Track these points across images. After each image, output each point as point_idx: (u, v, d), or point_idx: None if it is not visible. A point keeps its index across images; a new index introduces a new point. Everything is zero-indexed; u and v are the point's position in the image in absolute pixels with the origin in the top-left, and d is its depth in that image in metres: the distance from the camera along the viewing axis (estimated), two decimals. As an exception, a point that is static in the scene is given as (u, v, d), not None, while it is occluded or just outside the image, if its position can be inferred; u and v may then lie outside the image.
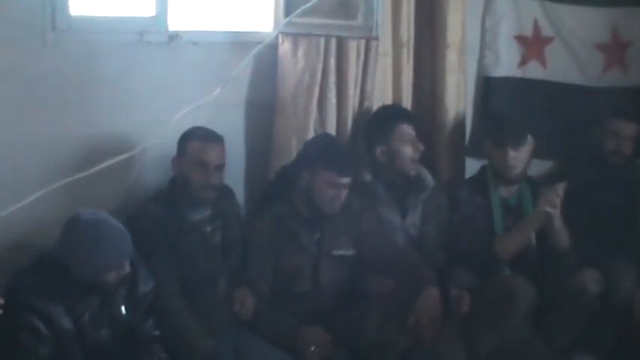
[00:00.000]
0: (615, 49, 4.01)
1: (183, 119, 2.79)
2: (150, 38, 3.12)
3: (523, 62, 3.89)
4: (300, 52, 3.32)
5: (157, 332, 2.74)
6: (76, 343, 2.55)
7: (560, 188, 3.21)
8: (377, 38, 3.42)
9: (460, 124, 3.71)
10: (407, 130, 3.30)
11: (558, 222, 3.25)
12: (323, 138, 3.25)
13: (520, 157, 3.35)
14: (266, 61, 3.31)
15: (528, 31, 3.88)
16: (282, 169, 3.23)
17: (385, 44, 3.48)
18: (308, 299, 3.06)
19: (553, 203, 3.20)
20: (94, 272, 2.53)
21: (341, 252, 3.11)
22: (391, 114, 3.38)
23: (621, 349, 3.14)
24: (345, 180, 3.06)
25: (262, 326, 2.97)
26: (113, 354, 2.63)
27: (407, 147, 3.29)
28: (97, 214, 2.59)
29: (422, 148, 3.33)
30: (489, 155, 3.43)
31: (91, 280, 2.55)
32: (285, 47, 3.32)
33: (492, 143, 3.39)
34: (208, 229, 3.01)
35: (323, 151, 3.09)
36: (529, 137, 3.39)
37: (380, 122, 3.35)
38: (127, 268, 2.59)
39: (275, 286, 3.04)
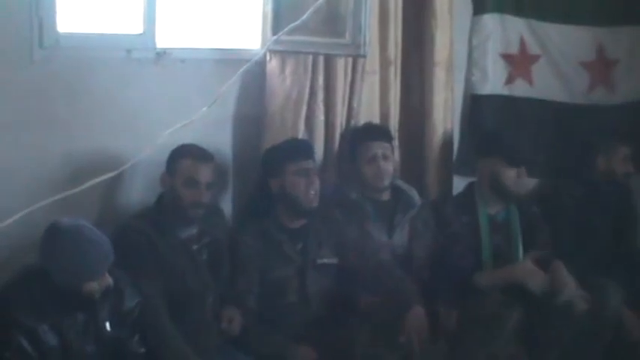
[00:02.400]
0: (601, 68, 4.05)
1: (171, 136, 2.71)
2: (137, 55, 3.13)
3: (510, 80, 3.93)
4: (288, 70, 3.35)
5: (143, 350, 2.72)
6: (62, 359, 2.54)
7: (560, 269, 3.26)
8: (365, 56, 3.40)
9: (448, 141, 3.73)
10: (369, 148, 3.33)
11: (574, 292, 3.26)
12: (270, 147, 3.25)
13: (521, 177, 3.40)
14: (254, 79, 3.32)
15: (515, 49, 3.92)
16: (255, 187, 3.26)
17: (373, 62, 3.50)
18: (296, 310, 3.07)
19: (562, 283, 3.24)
20: (76, 279, 2.52)
21: (325, 260, 3.14)
22: (358, 132, 3.42)
23: None
24: (309, 163, 3.11)
25: (250, 344, 2.97)
26: None
27: (369, 165, 3.33)
28: (77, 221, 2.58)
29: (390, 164, 3.35)
30: (493, 172, 3.40)
31: (73, 288, 2.53)
32: (272, 65, 3.34)
33: (504, 161, 3.38)
34: (195, 246, 3.01)
35: (276, 153, 3.15)
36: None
37: (352, 141, 3.41)
38: (109, 278, 2.57)
39: (263, 298, 3.04)
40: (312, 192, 3.09)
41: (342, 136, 3.50)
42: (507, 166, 3.38)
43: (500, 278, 3.30)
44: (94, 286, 2.55)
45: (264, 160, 3.21)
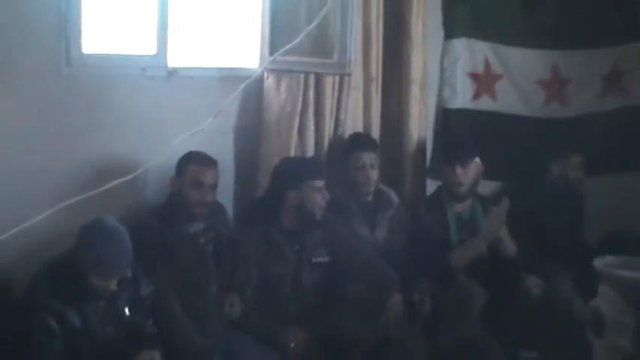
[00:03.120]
0: (555, 85, 4.03)
1: (180, 144, 2.71)
2: (151, 73, 3.13)
3: (476, 96, 3.91)
4: (283, 86, 3.34)
5: (156, 330, 2.71)
6: (85, 340, 2.53)
7: (504, 206, 3.25)
8: (350, 74, 3.44)
9: (422, 149, 3.72)
10: (359, 157, 3.32)
11: (505, 236, 3.30)
12: (292, 161, 3.24)
13: (467, 175, 3.41)
14: (253, 94, 3.31)
15: (481, 69, 3.90)
16: (265, 194, 3.21)
17: (357, 79, 3.49)
18: (291, 301, 3.05)
19: (499, 222, 3.26)
20: (101, 273, 2.51)
21: (319, 259, 3.11)
22: (349, 142, 3.41)
23: (559, 344, 3.15)
24: (322, 182, 3.08)
25: (249, 326, 2.95)
26: (117, 349, 2.59)
27: (358, 172, 3.32)
28: (115, 222, 2.58)
29: (374, 173, 3.33)
30: (443, 173, 3.46)
31: (98, 279, 2.52)
32: (269, 82, 3.33)
33: (445, 162, 3.45)
34: (202, 240, 3.00)
35: (297, 169, 3.11)
36: (476, 159, 3.43)
37: (343, 150, 3.40)
38: (127, 272, 2.58)
39: (262, 290, 3.02)
40: (322, 206, 3.08)
41: (330, 144, 3.48)
42: (452, 165, 3.39)
43: (470, 248, 3.32)
44: (109, 284, 2.54)
45: (282, 172, 3.14)
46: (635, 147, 4.05)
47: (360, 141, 3.42)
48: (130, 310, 2.65)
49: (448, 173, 3.43)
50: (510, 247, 3.34)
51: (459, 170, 3.38)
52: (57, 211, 2.22)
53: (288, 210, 3.07)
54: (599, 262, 2.72)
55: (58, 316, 2.48)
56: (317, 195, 3.06)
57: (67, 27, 2.92)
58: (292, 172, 3.12)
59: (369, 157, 3.33)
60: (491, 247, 3.35)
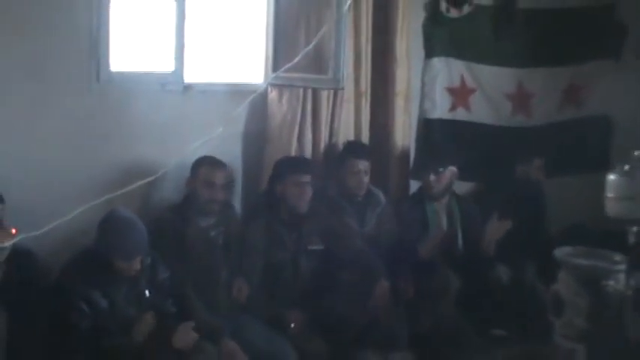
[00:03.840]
0: (521, 98, 4.03)
1: (194, 149, 2.68)
2: (170, 88, 3.14)
3: (453, 108, 3.90)
4: (284, 99, 3.34)
5: (174, 310, 2.73)
6: (111, 318, 2.55)
7: (506, 225, 3.29)
8: (342, 88, 3.44)
9: (405, 154, 3.71)
10: (355, 164, 3.30)
11: (494, 243, 3.32)
12: (282, 159, 3.21)
13: (439, 182, 3.39)
14: (258, 105, 3.31)
15: (457, 84, 3.89)
16: (266, 188, 3.23)
17: (349, 93, 3.49)
18: (290, 285, 3.05)
19: (496, 233, 3.30)
20: (119, 257, 2.53)
21: (314, 247, 3.11)
22: (343, 152, 3.38)
23: (524, 323, 3.17)
24: (306, 177, 3.06)
25: (254, 308, 2.96)
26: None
27: (353, 177, 3.30)
28: (126, 212, 2.60)
29: (366, 178, 3.31)
30: (424, 176, 3.44)
31: (120, 262, 2.54)
32: (272, 95, 3.33)
33: (426, 166, 3.44)
34: (213, 233, 2.99)
35: (284, 165, 3.12)
36: (450, 167, 3.41)
37: (339, 156, 3.38)
38: (142, 259, 2.58)
39: (266, 275, 3.02)
40: (303, 200, 3.06)
41: (325, 150, 3.47)
42: (425, 174, 3.40)
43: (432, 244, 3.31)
44: (132, 265, 2.57)
45: (274, 169, 3.16)
46: (589, 152, 4.05)
47: (356, 149, 3.39)
48: (149, 293, 2.67)
49: (424, 179, 3.44)
50: (492, 248, 3.35)
51: (431, 178, 3.40)
52: (88, 208, 2.22)
53: (280, 202, 3.08)
54: (558, 252, 2.71)
55: (87, 299, 2.50)
56: (298, 188, 3.04)
57: (97, 48, 2.93)
58: (279, 168, 3.14)
59: (362, 165, 3.31)
60: (467, 242, 3.38)
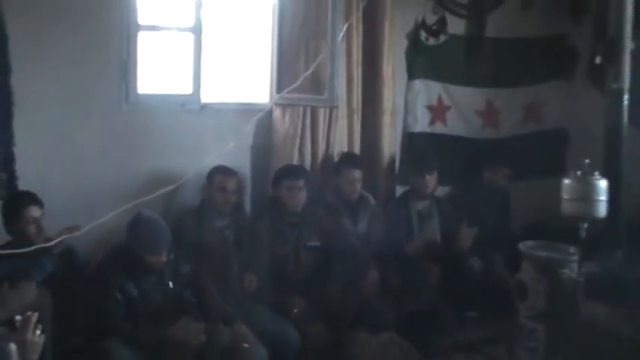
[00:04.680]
0: (489, 114, 4.02)
1: (210, 160, 2.80)
2: (188, 107, 3.15)
3: (432, 122, 3.88)
4: (287, 116, 3.34)
5: (194, 299, 2.71)
6: (141, 305, 2.55)
7: (473, 232, 3.32)
8: (337, 107, 3.44)
9: (392, 163, 3.69)
10: (349, 173, 3.28)
11: (468, 243, 3.34)
12: (281, 167, 3.20)
13: (432, 181, 3.41)
14: (264, 122, 3.29)
15: (435, 102, 3.87)
16: (271, 193, 3.22)
17: (342, 111, 3.48)
18: (293, 276, 3.06)
19: (466, 239, 3.33)
20: (146, 252, 2.52)
21: (313, 243, 3.10)
22: (340, 162, 3.36)
23: (494, 306, 3.14)
24: (299, 182, 3.04)
25: (262, 296, 2.95)
26: (165, 313, 2.60)
27: (348, 185, 3.28)
28: (152, 213, 2.59)
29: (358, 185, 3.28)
30: (414, 181, 3.44)
31: (147, 257, 2.53)
32: (277, 113, 3.32)
33: (416, 172, 3.43)
34: (226, 232, 3.00)
35: (281, 172, 3.12)
36: (435, 171, 3.44)
37: (336, 166, 3.37)
38: (167, 254, 2.56)
39: (271, 268, 3.01)
40: (297, 202, 3.03)
41: (323, 160, 3.45)
42: (422, 174, 3.39)
43: (419, 245, 3.35)
44: (157, 259, 2.56)
45: (274, 176, 3.16)
46: (548, 160, 4.03)
47: (351, 160, 3.36)
48: (172, 284, 2.66)
49: (419, 180, 3.39)
50: (467, 246, 3.36)
51: (427, 177, 3.38)
52: (119, 212, 2.26)
53: (280, 204, 3.07)
54: (522, 246, 2.69)
55: (121, 288, 2.50)
56: (288, 193, 3.04)
57: (126, 75, 2.96)
58: (276, 175, 3.14)
59: (357, 173, 3.29)
60: (445, 240, 3.37)
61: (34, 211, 2.52)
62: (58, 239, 2.31)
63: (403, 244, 3.31)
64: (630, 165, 2.84)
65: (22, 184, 2.74)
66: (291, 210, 3.06)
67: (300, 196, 3.06)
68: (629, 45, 2.82)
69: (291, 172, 3.14)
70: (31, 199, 2.55)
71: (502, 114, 4.05)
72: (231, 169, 3.03)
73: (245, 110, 3.23)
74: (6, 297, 1.99)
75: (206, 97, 3.22)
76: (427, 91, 3.84)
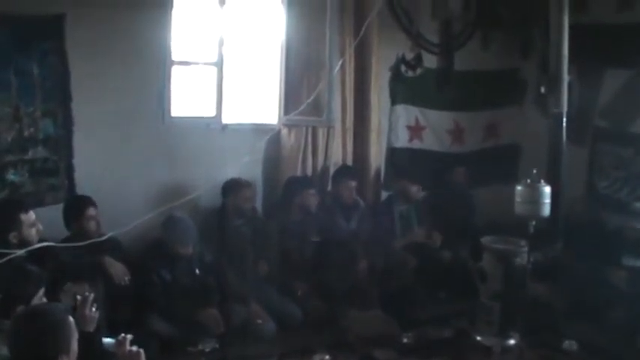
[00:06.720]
0: (457, 133, 3.98)
1: (229, 172, 2.84)
2: (212, 127, 3.16)
3: (410, 139, 3.84)
4: (292, 134, 3.34)
5: (216, 284, 2.72)
6: (174, 288, 2.58)
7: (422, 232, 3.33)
8: (333, 127, 3.44)
9: (378, 172, 3.67)
10: (347, 183, 3.29)
11: (438, 240, 3.34)
12: (292, 178, 3.18)
13: (413, 188, 3.40)
14: (274, 139, 3.30)
15: (413, 123, 3.83)
16: (280, 198, 3.22)
17: (337, 130, 3.48)
18: (298, 265, 3.09)
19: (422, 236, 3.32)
20: (177, 244, 2.55)
21: (315, 239, 3.15)
22: (339, 173, 3.37)
23: (460, 288, 3.15)
24: (313, 190, 3.10)
25: (272, 280, 2.97)
26: (193, 294, 2.65)
27: (345, 191, 3.29)
28: (182, 214, 2.63)
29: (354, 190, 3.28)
30: (402, 188, 3.41)
31: (178, 248, 2.56)
32: (284, 132, 3.33)
33: (407, 181, 3.40)
34: (244, 229, 3.02)
35: (300, 184, 3.14)
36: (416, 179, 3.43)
37: (335, 176, 3.38)
38: (193, 247, 2.58)
39: (280, 258, 3.03)
40: (313, 205, 3.11)
41: (322, 171, 3.44)
42: (411, 184, 3.41)
43: (405, 241, 3.34)
44: (189, 249, 2.59)
45: (291, 185, 3.13)
46: (504, 170, 4.00)
47: (348, 172, 3.36)
48: (198, 270, 2.69)
49: (407, 187, 3.37)
50: (438, 243, 3.36)
51: (413, 188, 3.38)
52: (150, 218, 2.31)
53: (294, 207, 3.11)
54: (484, 239, 2.74)
55: (157, 273, 2.55)
56: (310, 198, 3.08)
57: (162, 101, 2.99)
58: (297, 185, 3.15)
59: (353, 183, 3.30)
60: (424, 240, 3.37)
61: (92, 211, 2.55)
62: (109, 234, 2.35)
63: (387, 238, 3.31)
64: (568, 174, 2.91)
65: (79, 190, 2.78)
66: (307, 210, 3.08)
67: (315, 200, 3.11)
68: (566, 78, 2.92)
69: (308, 182, 3.16)
70: (89, 201, 2.59)
71: (467, 132, 4.04)
72: (247, 181, 3.03)
73: (258, 130, 3.25)
74: (71, 291, 2.05)
75: (226, 119, 3.24)
76: (407, 114, 3.83)
